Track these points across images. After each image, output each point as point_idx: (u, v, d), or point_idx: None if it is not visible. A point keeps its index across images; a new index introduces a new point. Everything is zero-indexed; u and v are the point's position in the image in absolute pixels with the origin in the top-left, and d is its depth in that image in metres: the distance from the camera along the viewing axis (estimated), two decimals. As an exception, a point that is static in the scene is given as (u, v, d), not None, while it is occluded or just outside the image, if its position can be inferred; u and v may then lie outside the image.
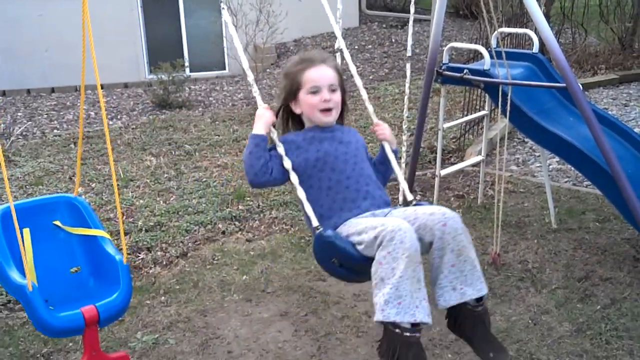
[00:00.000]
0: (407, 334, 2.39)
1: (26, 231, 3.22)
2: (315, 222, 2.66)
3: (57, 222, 3.41)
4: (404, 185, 3.03)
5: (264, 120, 2.77)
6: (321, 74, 2.81)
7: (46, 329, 2.91)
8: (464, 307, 2.60)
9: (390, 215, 2.69)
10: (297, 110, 2.89)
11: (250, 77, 2.93)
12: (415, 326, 2.41)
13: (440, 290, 2.59)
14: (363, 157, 2.90)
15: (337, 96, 2.84)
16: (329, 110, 2.82)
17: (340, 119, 2.97)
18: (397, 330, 2.39)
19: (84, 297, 3.17)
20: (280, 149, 2.75)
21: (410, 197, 2.97)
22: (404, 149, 3.64)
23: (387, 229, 2.40)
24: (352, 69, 3.13)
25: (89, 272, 3.38)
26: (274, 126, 2.83)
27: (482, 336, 2.61)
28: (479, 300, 2.60)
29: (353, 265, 2.58)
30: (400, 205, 3.11)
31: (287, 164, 2.73)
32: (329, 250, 2.58)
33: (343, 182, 2.76)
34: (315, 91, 2.80)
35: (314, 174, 2.76)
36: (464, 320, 2.62)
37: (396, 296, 2.36)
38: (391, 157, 3.02)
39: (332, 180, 2.76)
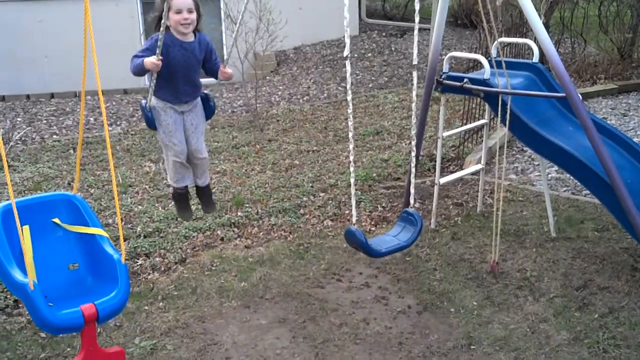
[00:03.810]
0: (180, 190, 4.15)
1: (26, 228, 3.24)
2: (150, 100, 3.87)
3: (56, 220, 3.43)
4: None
5: (154, 69, 3.66)
6: (183, 1, 3.74)
7: (46, 327, 2.96)
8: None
9: (186, 118, 4.06)
10: (167, 23, 3.73)
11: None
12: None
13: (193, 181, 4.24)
14: (196, 70, 3.97)
15: (193, 15, 3.78)
16: (187, 24, 3.78)
17: (196, 28, 3.92)
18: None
19: (81, 294, 3.20)
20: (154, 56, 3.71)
21: (207, 92, 4.26)
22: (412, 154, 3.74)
23: (176, 149, 3.98)
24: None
25: (87, 269, 3.40)
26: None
27: (206, 199, 4.31)
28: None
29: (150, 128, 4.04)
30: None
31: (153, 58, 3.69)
32: (145, 116, 3.97)
33: (175, 80, 3.86)
34: (178, 11, 3.74)
35: (164, 70, 3.72)
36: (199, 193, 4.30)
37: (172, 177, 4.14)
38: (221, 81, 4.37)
39: (171, 77, 3.83)
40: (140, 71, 3.74)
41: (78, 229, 3.42)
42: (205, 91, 4.20)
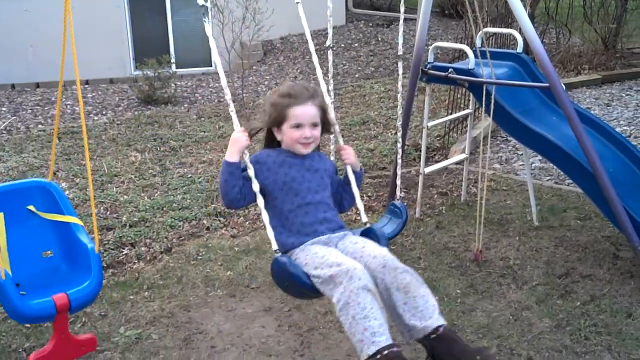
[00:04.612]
0: (386, 351, 2.46)
1: (0, 216, 3.23)
2: (274, 246, 2.78)
3: (31, 207, 3.42)
4: (360, 207, 3.17)
5: (238, 146, 2.84)
6: (305, 112, 2.90)
7: (18, 316, 2.97)
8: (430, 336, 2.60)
9: (342, 245, 2.88)
10: (278, 137, 2.99)
11: (228, 95, 3.01)
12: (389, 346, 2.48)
13: (403, 326, 2.66)
14: (326, 185, 3.03)
15: (317, 131, 2.96)
16: (308, 144, 2.95)
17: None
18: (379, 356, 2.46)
19: (56, 282, 3.20)
20: (251, 172, 2.84)
21: (365, 219, 3.14)
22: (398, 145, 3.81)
23: (343, 269, 2.56)
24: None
25: (61, 257, 3.40)
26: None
27: (461, 350, 2.56)
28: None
29: (304, 292, 2.77)
30: (356, 228, 3.19)
31: (256, 187, 2.84)
32: (283, 274, 2.73)
33: (303, 207, 2.90)
34: (298, 126, 2.90)
35: (279, 196, 2.90)
36: (438, 345, 2.58)
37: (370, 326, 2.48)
38: (352, 179, 3.15)
39: (294, 204, 2.90)
40: (226, 179, 2.82)
41: (53, 216, 3.42)
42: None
